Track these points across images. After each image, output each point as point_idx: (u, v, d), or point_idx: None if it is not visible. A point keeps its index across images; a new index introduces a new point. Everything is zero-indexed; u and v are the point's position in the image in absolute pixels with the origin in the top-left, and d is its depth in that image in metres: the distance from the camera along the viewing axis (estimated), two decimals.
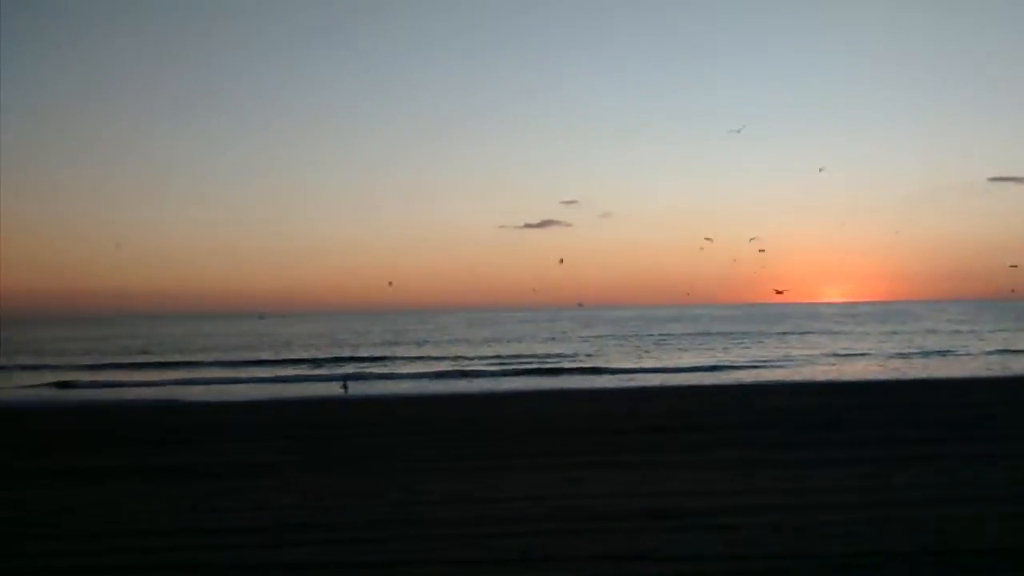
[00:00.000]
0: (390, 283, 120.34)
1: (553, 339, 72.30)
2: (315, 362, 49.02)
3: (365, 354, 55.63)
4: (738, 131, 32.87)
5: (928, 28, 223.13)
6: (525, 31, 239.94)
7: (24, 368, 46.69)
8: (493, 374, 39.41)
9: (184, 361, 50.49)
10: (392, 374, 40.70)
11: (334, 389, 31.79)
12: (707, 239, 40.15)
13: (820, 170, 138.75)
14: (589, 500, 10.34)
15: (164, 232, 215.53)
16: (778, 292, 36.06)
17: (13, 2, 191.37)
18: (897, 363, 41.89)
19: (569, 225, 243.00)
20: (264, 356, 54.61)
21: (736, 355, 49.65)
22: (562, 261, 74.27)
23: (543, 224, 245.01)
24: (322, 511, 10.10)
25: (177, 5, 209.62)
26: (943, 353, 47.49)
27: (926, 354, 47.19)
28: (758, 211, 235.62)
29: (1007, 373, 34.08)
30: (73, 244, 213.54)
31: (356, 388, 31.90)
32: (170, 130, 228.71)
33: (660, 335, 75.68)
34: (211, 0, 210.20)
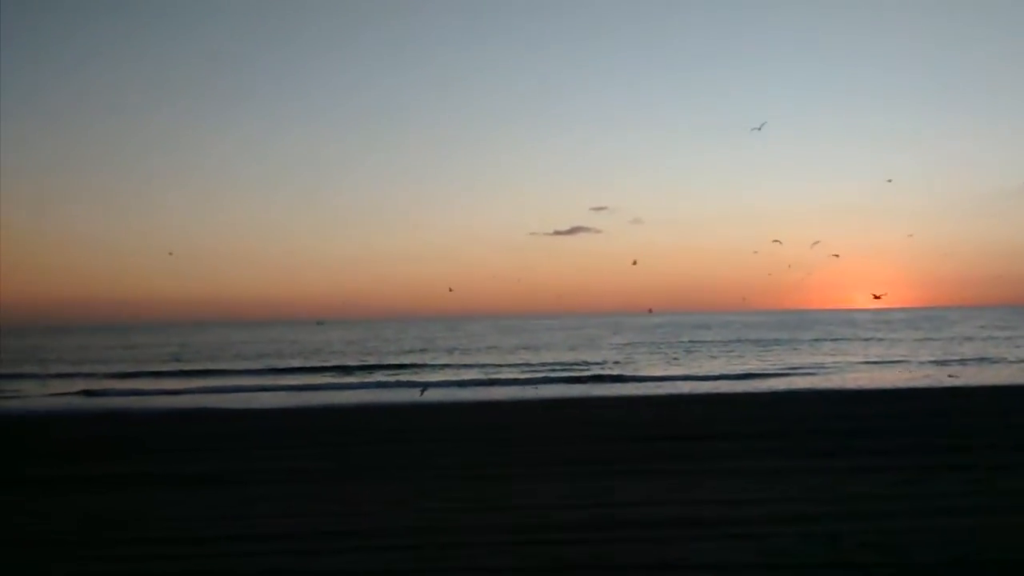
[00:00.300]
0: (450, 289, 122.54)
1: (582, 346, 72.21)
2: (346, 369, 49.41)
3: (393, 361, 55.92)
4: (759, 128, 32.38)
5: (974, 40, 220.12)
6: (554, 39, 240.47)
7: (61, 376, 47.41)
8: (523, 381, 39.42)
9: (214, 369, 51.02)
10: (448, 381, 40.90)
11: (364, 396, 32.07)
12: (776, 241, 39.74)
13: (889, 181, 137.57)
14: (620, 508, 10.36)
15: (213, 238, 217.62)
16: (876, 296, 35.71)
17: (54, 6, 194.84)
18: (930, 370, 41.40)
19: (599, 231, 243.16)
20: (295, 363, 55.10)
21: (767, 362, 49.30)
22: (635, 263, 74.90)
23: (573, 231, 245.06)
24: (354, 518, 10.20)
25: (216, 8, 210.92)
26: (977, 360, 46.85)
27: (960, 361, 46.57)
28: (787, 216, 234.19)
29: None
30: (124, 251, 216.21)
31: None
32: (212, 135, 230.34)
33: (691, 341, 75.35)
34: (254, 8, 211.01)
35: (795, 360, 50.54)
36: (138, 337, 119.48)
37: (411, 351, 69.27)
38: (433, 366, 51.40)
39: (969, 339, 68.73)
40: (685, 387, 34.32)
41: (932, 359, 48.24)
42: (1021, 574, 7.37)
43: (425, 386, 34.88)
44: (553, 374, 43.66)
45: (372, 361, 56.38)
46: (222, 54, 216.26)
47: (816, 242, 50.64)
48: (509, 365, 50.93)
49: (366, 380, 41.59)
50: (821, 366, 45.07)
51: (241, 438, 19.06)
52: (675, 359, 54.56)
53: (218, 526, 10.01)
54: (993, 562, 7.68)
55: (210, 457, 16.03)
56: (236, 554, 8.73)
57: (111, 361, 61.10)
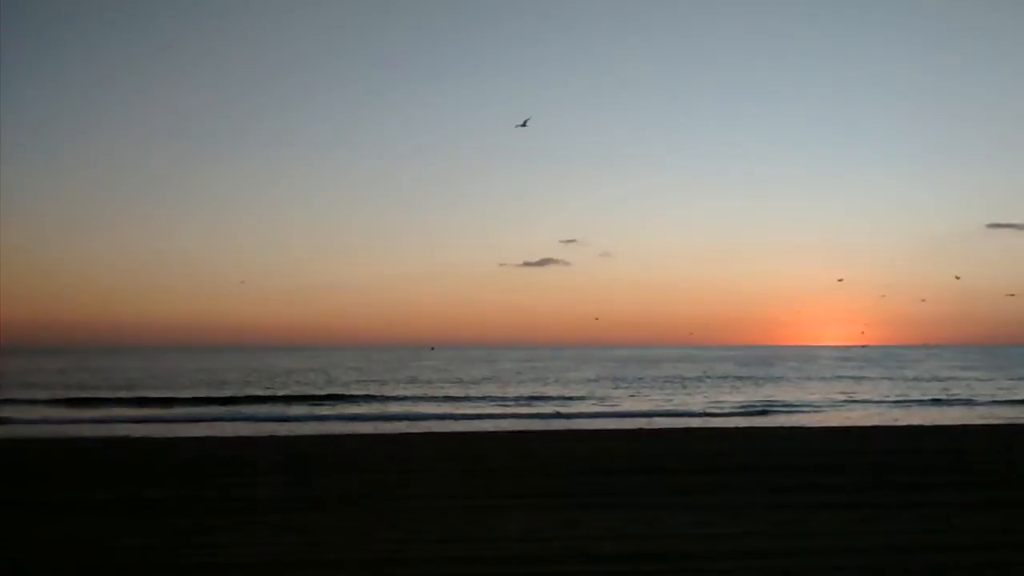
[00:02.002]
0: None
1: (550, 378, 72.26)
2: (307, 399, 49.00)
3: (356, 392, 55.58)
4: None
5: (925, 79, 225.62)
6: (523, 68, 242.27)
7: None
8: (488, 415, 39.41)
9: (184, 397, 50.37)
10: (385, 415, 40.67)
11: (332, 427, 31.94)
12: (839, 280, 40.72)
13: (839, 280, 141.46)
14: (582, 541, 10.38)
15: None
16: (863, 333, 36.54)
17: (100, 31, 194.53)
18: (892, 407, 42.01)
19: (568, 264, 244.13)
20: (256, 392, 54.59)
21: (732, 397, 49.67)
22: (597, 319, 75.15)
23: (543, 262, 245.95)
24: (313, 548, 10.13)
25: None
26: (938, 399, 47.58)
27: (921, 399, 47.30)
28: (756, 255, 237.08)
29: (1001, 420, 34.12)
30: (193, 277, 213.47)
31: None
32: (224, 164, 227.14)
33: (655, 376, 75.67)
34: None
35: (759, 395, 50.97)
36: (104, 361, 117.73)
37: (373, 381, 68.91)
38: (394, 397, 51.14)
39: (929, 378, 69.73)
40: (652, 421, 34.47)
41: (893, 397, 48.92)
42: None
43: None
44: (519, 407, 43.71)
45: (335, 390, 55.98)
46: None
47: (840, 279, 51.61)
48: (475, 397, 50.84)
49: (319, 412, 41.36)
50: (786, 402, 45.48)
51: (200, 466, 18.84)
52: (642, 393, 54.77)
53: (176, 554, 9.88)
54: None
55: (174, 484, 15.78)
56: None
57: (61, 387, 60.14)
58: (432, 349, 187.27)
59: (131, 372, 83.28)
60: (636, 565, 9.15)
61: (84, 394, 51.00)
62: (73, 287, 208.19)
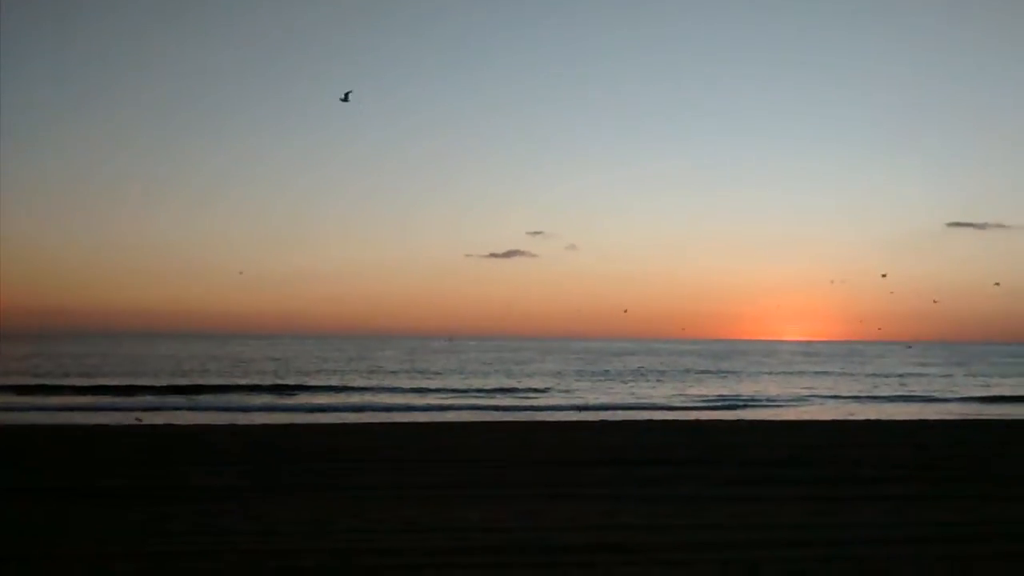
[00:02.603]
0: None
1: (516, 369, 72.27)
2: (270, 388, 48.54)
3: (317, 382, 55.17)
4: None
5: (887, 79, 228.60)
6: (492, 60, 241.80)
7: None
8: (452, 406, 39.37)
9: (145, 385, 49.64)
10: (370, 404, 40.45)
11: (293, 417, 31.65)
12: (833, 280, 41.04)
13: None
14: (543, 532, 10.33)
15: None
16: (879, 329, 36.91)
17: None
18: (850, 403, 42.59)
19: (535, 256, 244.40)
20: (218, 381, 53.97)
21: (698, 391, 50.02)
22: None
23: (509, 254, 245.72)
24: (272, 538, 9.99)
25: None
26: (894, 396, 48.33)
27: (877, 395, 48.00)
28: (724, 248, 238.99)
29: (959, 416, 34.70)
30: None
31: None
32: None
33: (616, 369, 76.00)
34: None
35: (724, 389, 51.41)
36: (69, 347, 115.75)
37: (340, 371, 68.48)
38: (356, 388, 50.76)
39: (889, 374, 70.76)
40: (615, 414, 34.61)
41: (854, 392, 49.58)
42: None
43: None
44: (485, 397, 43.69)
45: (300, 380, 55.49)
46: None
47: (832, 280, 52.11)
48: (439, 387, 50.71)
49: (281, 402, 41.06)
50: (750, 397, 45.88)
51: (160, 453, 18.57)
52: (608, 386, 54.97)
53: (132, 543, 9.68)
54: None
55: (132, 473, 15.51)
56: (147, 572, 8.46)
57: (18, 374, 59.07)
58: (450, 340, 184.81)
59: (96, 359, 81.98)
60: (595, 556, 9.12)
61: (40, 381, 50.03)
62: (41, 272, 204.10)
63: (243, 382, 52.46)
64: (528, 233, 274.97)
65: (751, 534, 10.28)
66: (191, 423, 28.02)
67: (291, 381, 53.69)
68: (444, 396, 44.12)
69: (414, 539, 9.97)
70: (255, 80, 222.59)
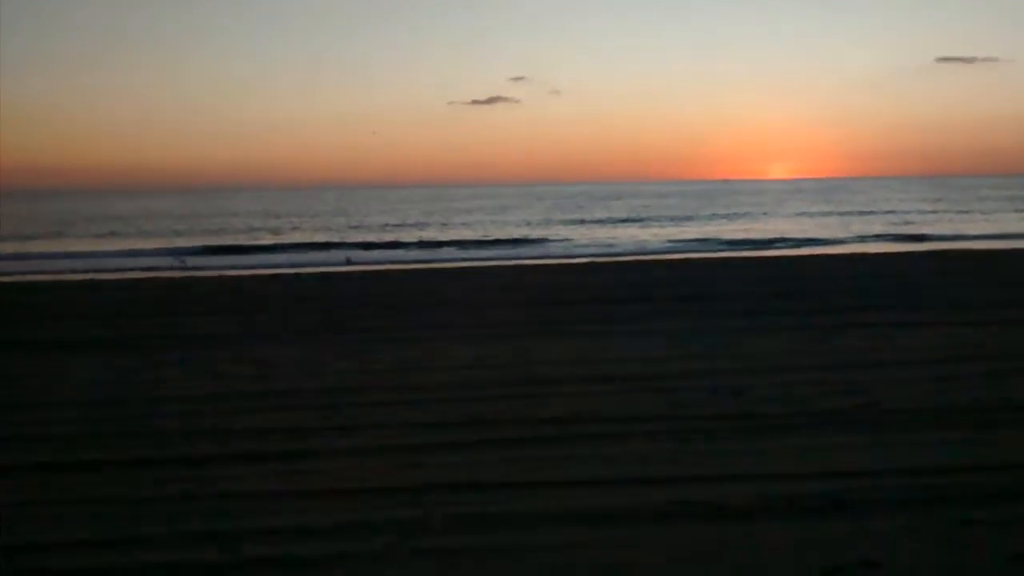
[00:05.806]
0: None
1: (503, 213, 72.18)
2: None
3: (310, 233, 54.96)
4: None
5: None
6: None
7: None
8: (445, 246, 39.53)
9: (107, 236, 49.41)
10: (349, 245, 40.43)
11: (278, 261, 31.70)
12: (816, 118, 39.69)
13: (373, 133, 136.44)
14: (535, 367, 10.55)
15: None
16: None
17: None
18: (836, 235, 42.87)
19: (518, 102, 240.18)
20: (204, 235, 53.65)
21: (686, 230, 50.18)
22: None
23: (491, 100, 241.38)
24: (270, 380, 10.14)
25: None
26: (883, 234, 48.52)
27: (861, 233, 48.21)
28: (708, 86, 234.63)
29: (937, 247, 35.01)
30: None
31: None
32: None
33: (605, 211, 75.94)
34: None
35: (712, 228, 51.58)
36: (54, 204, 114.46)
37: (329, 223, 68.26)
38: (346, 242, 50.62)
39: (872, 211, 70.91)
40: (603, 253, 34.82)
41: (841, 226, 49.82)
42: (918, 419, 7.78)
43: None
44: (473, 240, 43.77)
45: (287, 236, 55.01)
46: None
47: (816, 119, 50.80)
48: (427, 239, 50.66)
49: (282, 241, 40.94)
50: (739, 237, 46.02)
51: (149, 304, 18.63)
52: (594, 227, 55.08)
53: (134, 389, 9.82)
54: (894, 410, 8.08)
55: (130, 324, 15.54)
56: (150, 416, 8.61)
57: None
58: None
59: (80, 214, 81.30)
60: (586, 386, 9.33)
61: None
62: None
63: (230, 242, 51.77)
64: (510, 79, 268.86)
65: (739, 363, 10.49)
66: (173, 275, 27.88)
67: (280, 238, 53.21)
68: (429, 250, 43.99)
69: (410, 377, 10.18)
70: None
